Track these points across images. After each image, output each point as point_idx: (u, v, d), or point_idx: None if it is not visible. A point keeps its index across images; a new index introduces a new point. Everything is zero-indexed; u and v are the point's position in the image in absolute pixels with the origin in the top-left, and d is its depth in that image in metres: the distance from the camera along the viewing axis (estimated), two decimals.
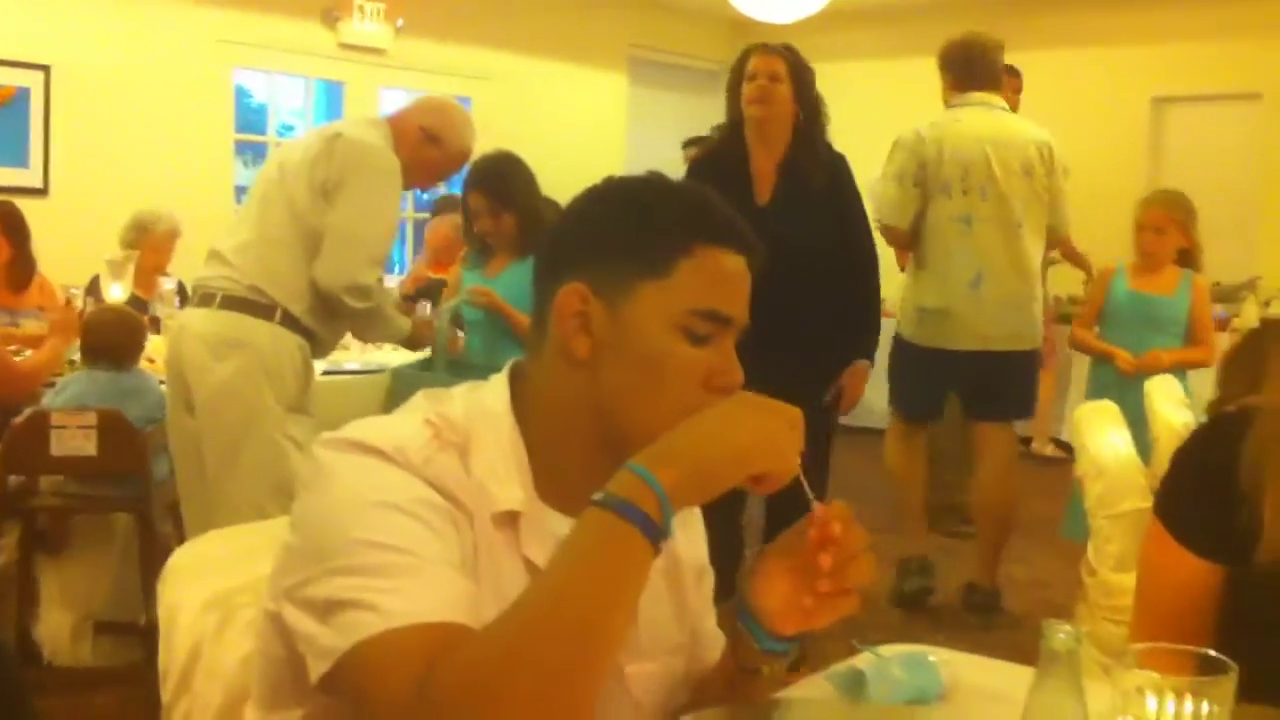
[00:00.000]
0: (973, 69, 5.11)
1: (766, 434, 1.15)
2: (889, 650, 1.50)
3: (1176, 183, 8.79)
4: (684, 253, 1.24)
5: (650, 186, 1.31)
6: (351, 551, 1.12)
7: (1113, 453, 3.00)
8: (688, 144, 7.70)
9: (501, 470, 1.24)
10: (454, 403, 1.28)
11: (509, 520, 1.23)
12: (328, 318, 3.45)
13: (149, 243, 5.14)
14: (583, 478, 1.18)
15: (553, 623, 1.06)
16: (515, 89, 8.48)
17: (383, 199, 3.44)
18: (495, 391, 1.30)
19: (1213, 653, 1.13)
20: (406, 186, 3.57)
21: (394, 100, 8.18)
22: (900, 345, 4.76)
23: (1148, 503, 2.33)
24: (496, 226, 4.12)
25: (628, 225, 1.27)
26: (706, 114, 10.22)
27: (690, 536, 1.41)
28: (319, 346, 3.54)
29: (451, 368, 3.93)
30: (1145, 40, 8.67)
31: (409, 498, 1.16)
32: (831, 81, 9.73)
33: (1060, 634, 1.02)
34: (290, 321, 3.39)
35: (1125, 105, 8.78)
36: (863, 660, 1.47)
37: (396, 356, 4.46)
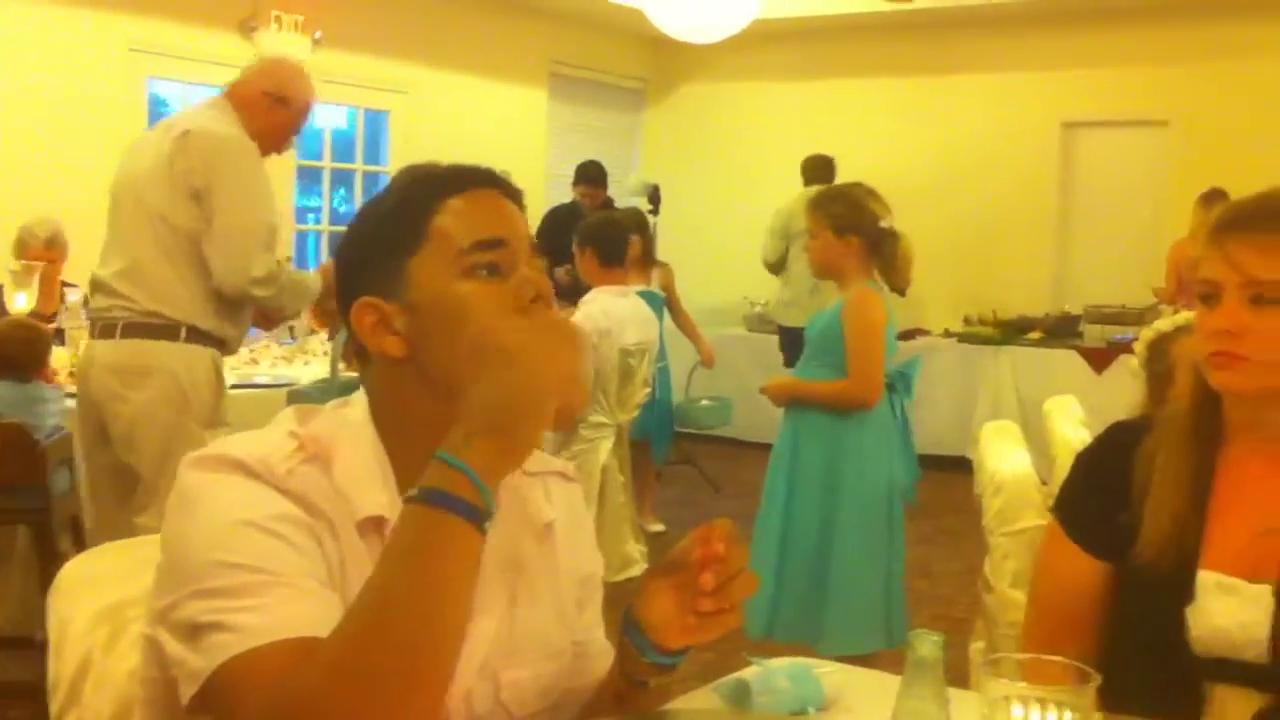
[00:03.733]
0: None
1: (545, 368, 1.14)
2: (776, 662, 1.53)
3: (1086, 207, 9.06)
4: (431, 210, 1.28)
5: (383, 192, 1.36)
6: (212, 574, 1.13)
7: (1011, 470, 3.06)
8: (581, 180, 7.69)
9: (364, 478, 1.26)
10: (319, 417, 1.30)
11: (374, 526, 1.24)
12: (235, 316, 3.45)
13: (31, 254, 5.04)
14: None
15: (380, 629, 1.07)
16: (435, 103, 8.46)
17: (253, 184, 3.43)
18: (357, 404, 1.32)
19: (1077, 663, 1.17)
20: (264, 153, 3.54)
21: (315, 113, 8.14)
22: None
23: (1045, 519, 2.40)
24: None
25: (378, 224, 1.31)
26: (627, 131, 10.31)
27: (576, 545, 1.43)
28: (232, 345, 3.53)
29: (347, 388, 3.90)
30: (1056, 65, 8.85)
31: (269, 514, 1.17)
32: (753, 100, 9.90)
33: (926, 643, 1.06)
34: (197, 336, 3.37)
35: (1037, 129, 8.96)
36: (749, 671, 1.50)
37: (307, 372, 4.44)
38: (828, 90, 9.62)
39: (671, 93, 10.34)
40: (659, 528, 6.18)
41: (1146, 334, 2.95)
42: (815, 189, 7.28)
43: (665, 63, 9.96)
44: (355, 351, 1.35)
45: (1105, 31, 8.65)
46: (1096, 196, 8.97)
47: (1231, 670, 1.55)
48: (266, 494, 1.18)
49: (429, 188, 1.30)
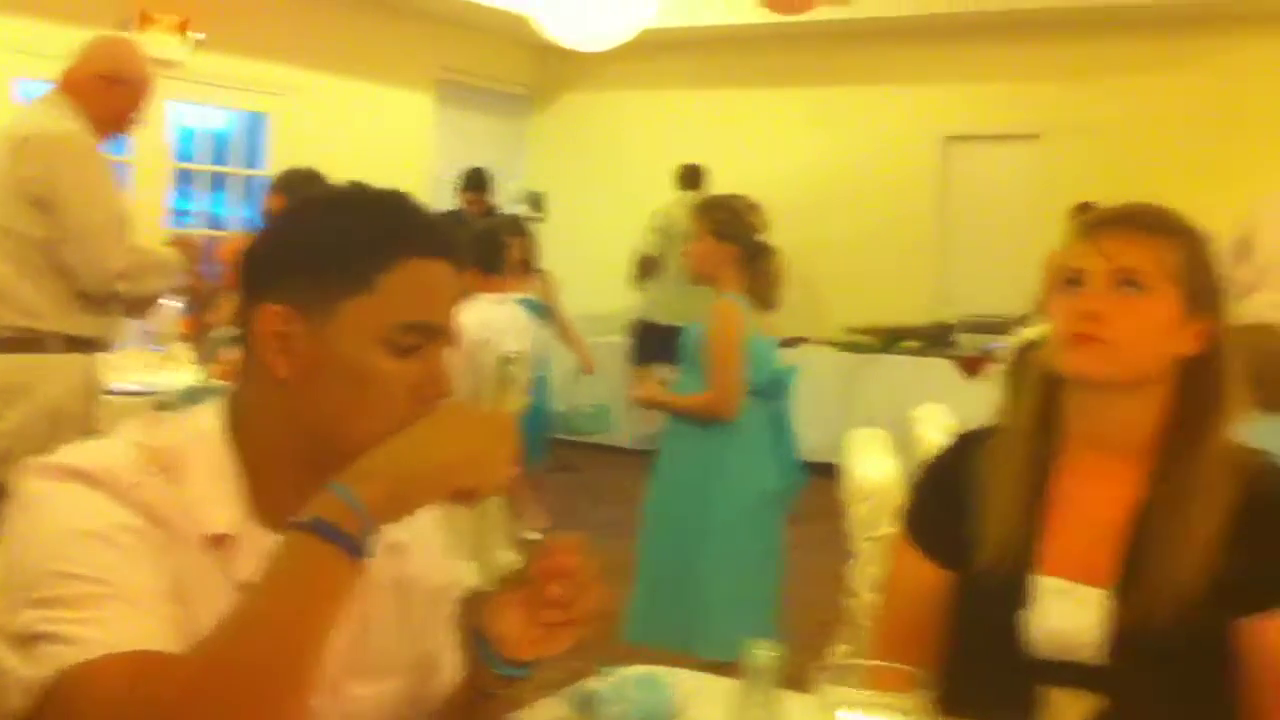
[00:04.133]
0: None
1: (471, 447, 1.16)
2: (627, 671, 1.54)
3: (964, 218, 9.24)
4: (386, 266, 1.23)
5: (349, 199, 1.30)
6: (49, 583, 1.11)
7: (877, 477, 3.12)
8: (466, 187, 7.72)
9: (213, 492, 1.24)
10: (166, 427, 1.27)
11: (220, 543, 1.22)
12: (104, 314, 3.38)
13: None
14: (298, 497, 1.16)
15: (247, 652, 1.06)
16: (319, 107, 8.36)
17: (98, 182, 3.36)
18: (209, 414, 1.29)
19: (912, 669, 1.20)
20: (108, 136, 3.47)
21: (193, 115, 7.99)
22: None
23: None
24: None
25: (327, 241, 1.25)
26: (514, 138, 10.28)
27: (427, 558, 1.42)
28: (107, 341, 3.46)
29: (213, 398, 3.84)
30: (937, 80, 9.03)
31: (111, 524, 1.15)
32: (638, 109, 9.94)
33: (760, 652, 1.08)
34: (68, 343, 3.30)
35: (918, 142, 9.13)
36: (599, 681, 1.51)
37: (175, 379, 4.36)
38: (712, 100, 9.70)
39: (557, 100, 10.34)
40: (537, 535, 6.17)
41: (1015, 341, 3.02)
42: (692, 194, 7.98)
43: (552, 70, 9.96)
44: (242, 351, 1.30)
45: (982, 47, 8.85)
46: (974, 208, 9.17)
47: (1067, 673, 1.59)
48: (109, 504, 1.16)
49: (395, 235, 1.25)
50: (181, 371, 4.36)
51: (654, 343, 7.96)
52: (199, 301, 4.42)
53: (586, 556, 1.26)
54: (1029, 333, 3.03)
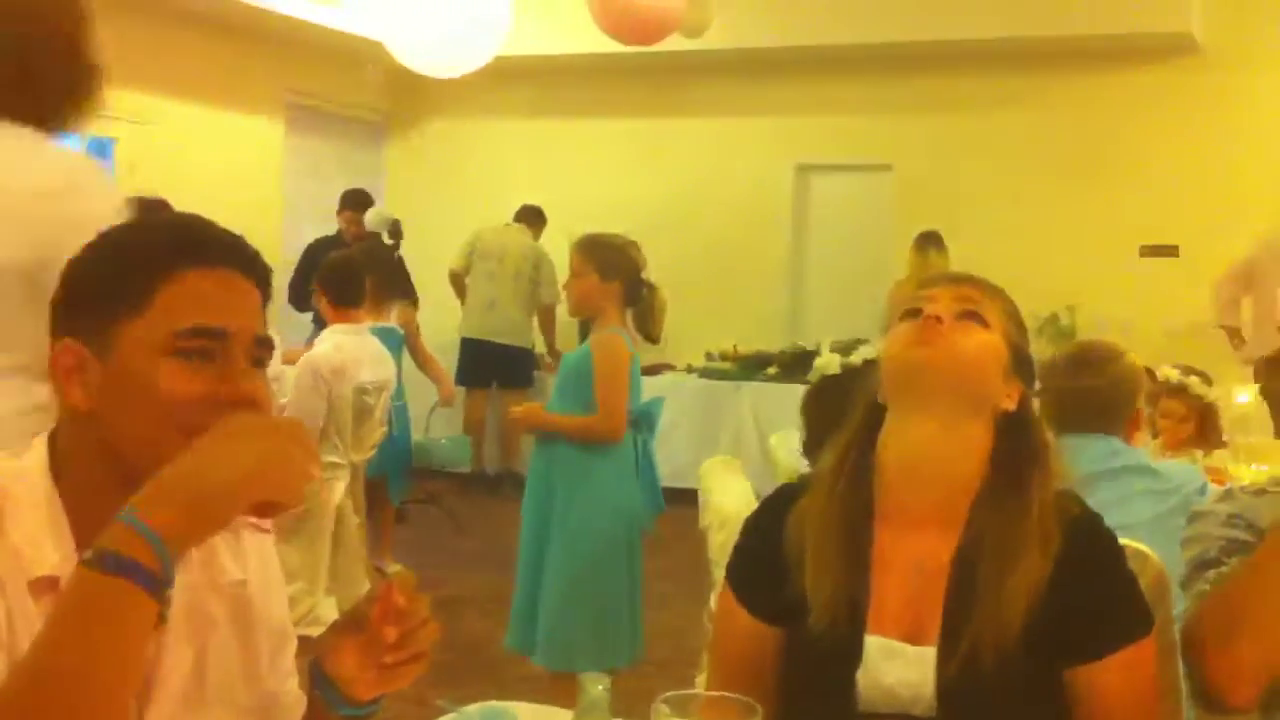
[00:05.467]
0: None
1: (265, 458, 1.12)
2: (473, 707, 1.51)
3: (818, 245, 9.42)
4: (161, 282, 1.23)
5: (126, 229, 1.32)
6: None
7: (734, 503, 3.13)
8: (344, 206, 7.71)
9: (38, 535, 1.19)
10: None
11: (48, 586, 1.17)
12: None
13: None
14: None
15: (40, 692, 1.02)
16: (166, 134, 8.16)
17: None
18: (33, 456, 1.25)
19: (743, 698, 1.20)
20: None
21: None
22: None
23: None
24: None
25: (104, 272, 1.25)
26: (366, 165, 10.16)
27: (267, 595, 1.39)
28: None
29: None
30: (791, 111, 9.18)
31: None
32: (491, 137, 9.89)
33: (594, 685, 1.07)
34: None
35: (771, 171, 9.26)
36: (442, 717, 1.48)
37: None
38: (565, 129, 9.73)
39: (413, 127, 10.27)
40: (396, 568, 6.08)
41: (819, 367, 2.97)
42: (519, 226, 8.54)
43: (406, 96, 9.88)
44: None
45: (834, 80, 9.03)
46: (828, 235, 9.34)
47: None
48: None
49: (170, 250, 1.25)
50: None
51: (478, 360, 8.04)
52: None
53: (419, 595, 1.24)
54: (823, 362, 3.00)
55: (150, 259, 1.24)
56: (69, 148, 2.42)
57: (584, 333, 8.42)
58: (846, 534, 1.63)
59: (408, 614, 1.23)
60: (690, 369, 8.68)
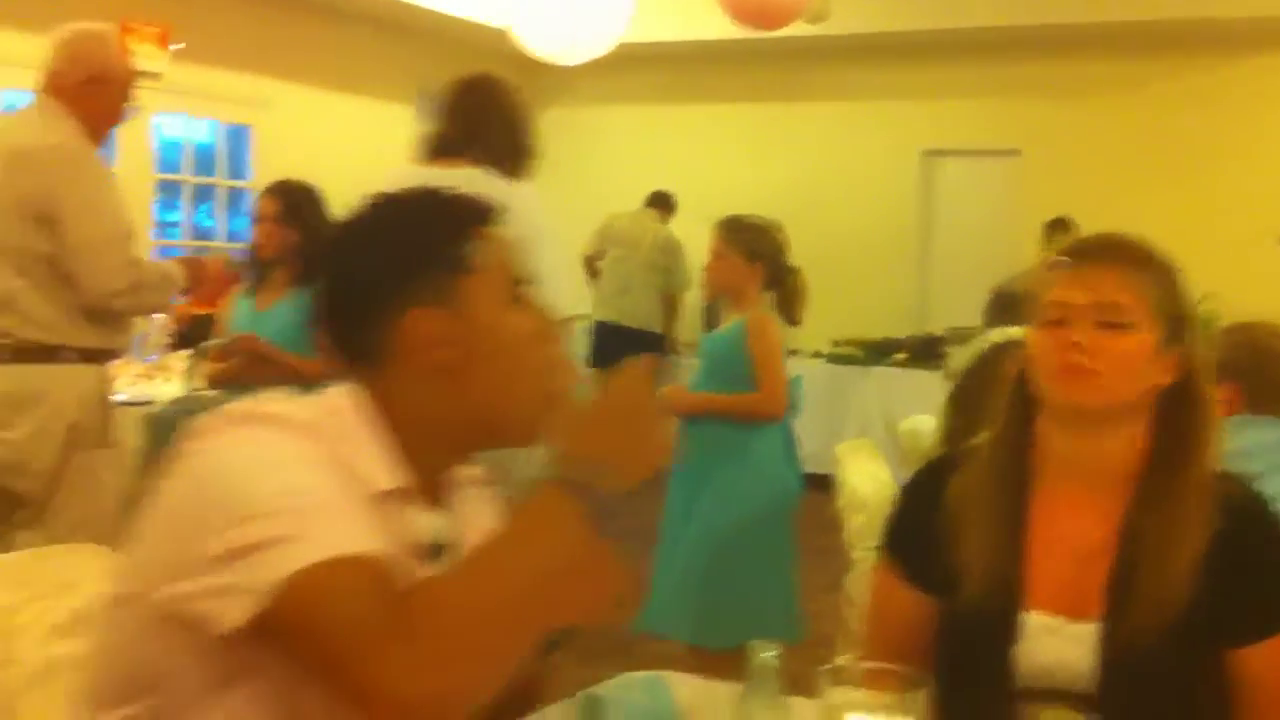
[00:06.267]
0: None
1: (652, 433, 1.27)
2: (632, 676, 1.55)
3: (945, 231, 9.30)
4: (476, 241, 1.36)
5: (415, 200, 1.41)
6: (264, 500, 1.13)
7: (873, 487, 3.13)
8: None
9: (369, 456, 1.28)
10: (299, 404, 1.30)
11: (386, 498, 1.27)
12: (115, 324, 3.35)
13: None
14: (439, 478, 1.35)
15: (500, 584, 1.13)
16: (300, 118, 8.35)
17: (100, 192, 3.29)
18: (343, 400, 1.33)
19: (908, 669, 1.21)
20: (102, 137, 3.40)
21: (171, 126, 7.98)
22: None
23: None
24: (280, 238, 4.02)
25: (426, 239, 1.36)
26: None
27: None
28: (120, 351, 3.45)
29: (206, 406, 3.83)
30: (917, 95, 9.07)
31: (306, 453, 1.19)
32: (613, 124, 9.96)
33: (763, 653, 1.09)
34: (82, 355, 3.27)
35: (897, 157, 9.17)
36: (604, 686, 1.52)
37: (167, 389, 4.35)
38: (688, 115, 9.73)
39: (539, 114, 10.32)
40: None
41: (976, 345, 2.97)
42: (651, 211, 8.60)
43: (530, 84, 9.95)
44: (349, 353, 1.36)
45: (962, 64, 8.90)
46: (955, 222, 9.22)
47: (1056, 700, 1.59)
48: (300, 440, 1.21)
49: (463, 214, 1.39)
50: (172, 382, 4.35)
51: (611, 343, 8.10)
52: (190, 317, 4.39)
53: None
54: (979, 343, 2.99)
55: (459, 224, 1.37)
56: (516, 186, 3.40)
57: (709, 317, 8.46)
58: (1003, 507, 1.64)
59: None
60: (817, 354, 8.64)
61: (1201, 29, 8.01)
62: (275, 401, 1.26)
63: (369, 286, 1.35)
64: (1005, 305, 4.07)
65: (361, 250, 1.38)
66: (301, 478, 1.17)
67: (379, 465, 1.28)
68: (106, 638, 1.25)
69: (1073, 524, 1.64)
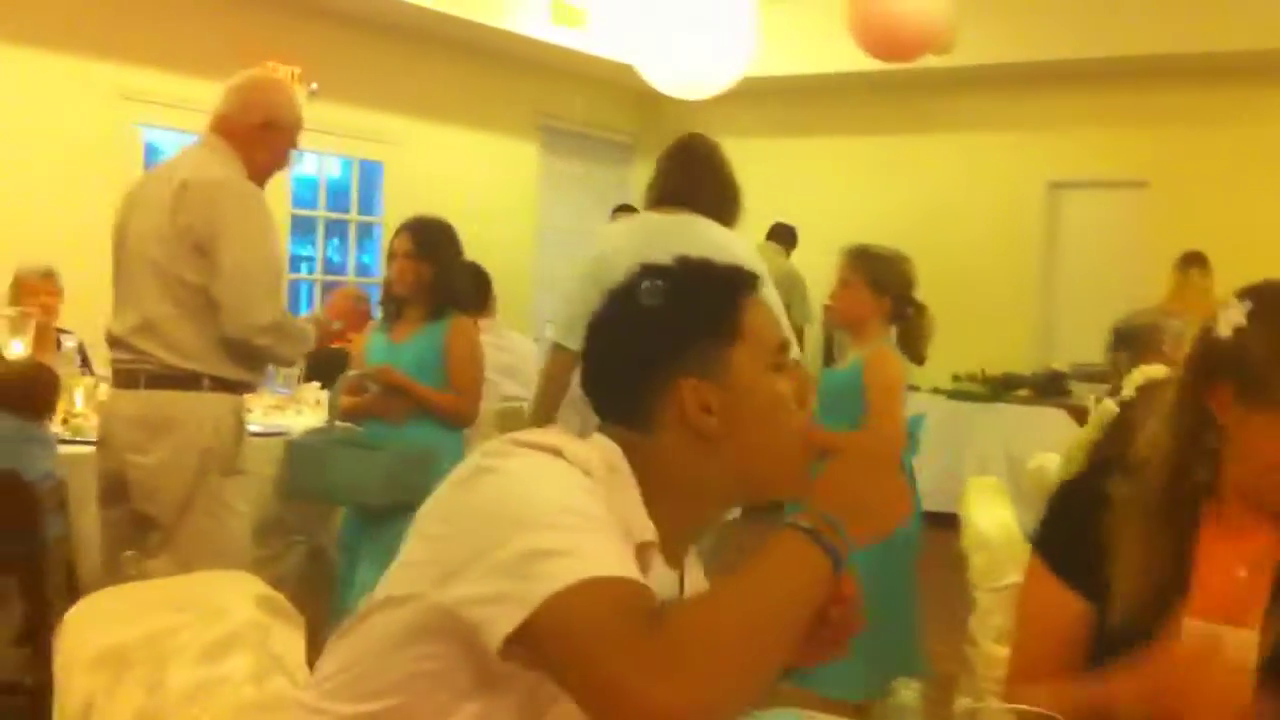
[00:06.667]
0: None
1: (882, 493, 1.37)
2: (766, 714, 1.56)
3: (1070, 265, 9.15)
4: (740, 310, 1.43)
5: (688, 272, 1.48)
6: (547, 514, 1.20)
7: (997, 526, 3.09)
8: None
9: (637, 510, 1.35)
10: (577, 445, 1.35)
11: (644, 551, 1.32)
12: (253, 360, 3.43)
13: (27, 289, 5.08)
14: (679, 538, 1.41)
15: (740, 617, 1.17)
16: (427, 155, 8.52)
17: (257, 230, 3.36)
18: (612, 452, 1.39)
19: (1044, 711, 1.21)
20: (264, 179, 3.49)
21: (305, 162, 8.20)
22: None
23: None
24: (414, 274, 4.07)
25: (698, 311, 1.43)
26: (617, 184, 10.39)
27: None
28: (255, 386, 3.53)
29: (345, 437, 3.92)
30: (1042, 126, 8.97)
31: (586, 486, 1.26)
32: (739, 156, 9.93)
33: (907, 690, 1.09)
34: (220, 385, 3.35)
35: (1022, 189, 9.07)
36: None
37: (300, 421, 4.45)
38: (812, 147, 9.73)
39: (661, 147, 10.39)
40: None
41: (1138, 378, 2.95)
42: (773, 244, 8.54)
43: (655, 117, 10.05)
44: (615, 416, 1.44)
45: (1087, 94, 8.78)
46: (1080, 255, 9.06)
47: None
48: (582, 476, 1.28)
49: (735, 284, 1.46)
50: (304, 414, 4.45)
51: None
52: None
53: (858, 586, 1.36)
54: (1153, 371, 2.96)
55: (723, 295, 1.44)
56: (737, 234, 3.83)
57: (829, 351, 8.40)
58: (1168, 526, 1.62)
59: (851, 601, 1.35)
60: (937, 390, 8.55)
61: None
62: (560, 437, 1.33)
63: (643, 356, 1.43)
64: (1126, 340, 3.98)
65: (637, 320, 1.45)
66: (582, 502, 1.23)
67: (642, 517, 1.34)
68: (366, 634, 1.30)
69: (1242, 534, 1.62)
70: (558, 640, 1.14)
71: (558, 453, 1.28)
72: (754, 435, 1.40)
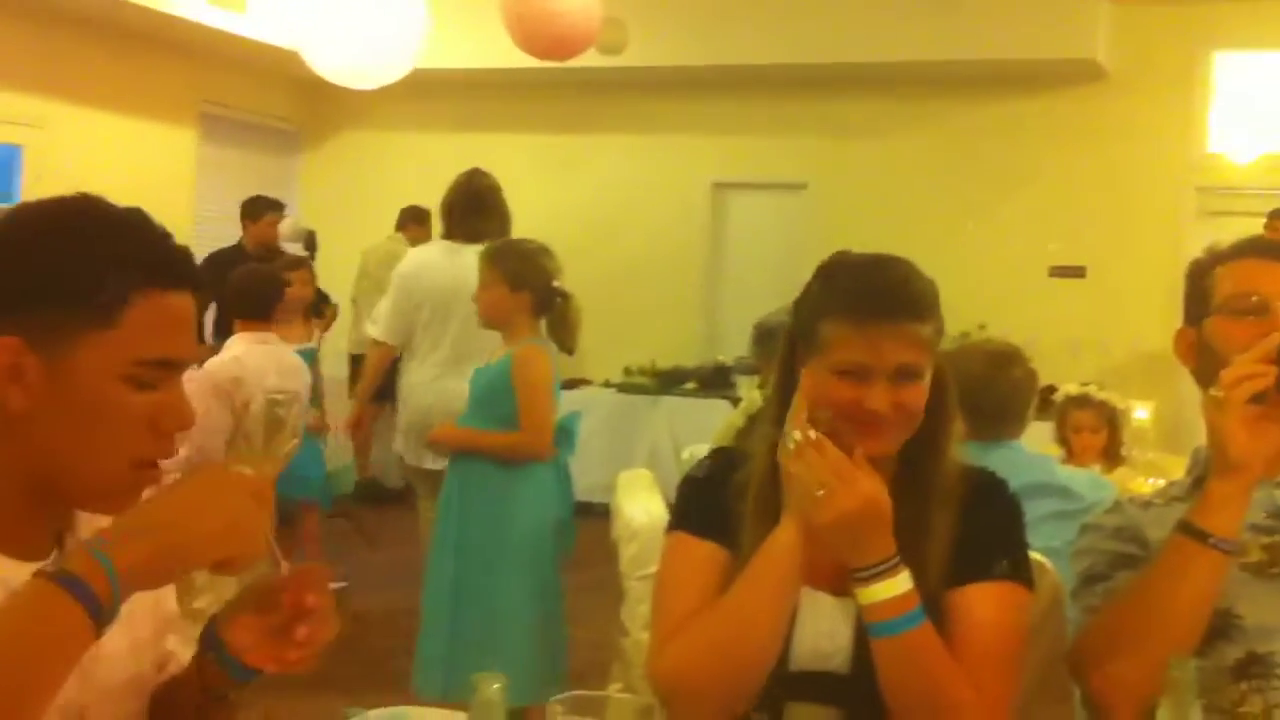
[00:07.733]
0: None
1: (235, 517, 1.13)
2: (374, 713, 1.52)
3: (734, 262, 9.47)
4: (130, 300, 1.20)
5: (83, 223, 1.24)
6: None
7: (646, 516, 3.14)
8: (246, 215, 7.62)
9: None
10: None
11: None
12: None
13: None
14: (29, 527, 1.20)
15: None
16: (74, 140, 8.02)
17: None
18: None
19: (638, 699, 1.21)
20: None
21: None
22: None
23: None
24: None
25: (66, 269, 1.20)
26: (280, 173, 10.06)
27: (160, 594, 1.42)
28: None
29: None
30: (707, 129, 9.25)
31: None
32: (409, 150, 9.82)
33: (488, 686, 1.08)
34: None
35: (689, 188, 9.33)
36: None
37: None
38: (483, 143, 9.67)
39: (330, 138, 10.18)
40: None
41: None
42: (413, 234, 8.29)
43: (322, 107, 9.81)
44: None
45: (751, 99, 9.11)
46: (744, 253, 9.41)
47: (815, 684, 1.64)
48: None
49: (134, 261, 1.21)
50: None
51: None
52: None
53: (327, 589, 1.26)
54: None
55: (119, 271, 1.20)
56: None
57: None
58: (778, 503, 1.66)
59: (316, 613, 1.24)
60: (607, 383, 8.69)
61: (978, 70, 8.39)
62: None
63: None
64: (765, 336, 4.17)
65: (18, 264, 1.22)
66: None
67: None
68: None
69: None
70: None
71: None
72: (62, 431, 1.19)
